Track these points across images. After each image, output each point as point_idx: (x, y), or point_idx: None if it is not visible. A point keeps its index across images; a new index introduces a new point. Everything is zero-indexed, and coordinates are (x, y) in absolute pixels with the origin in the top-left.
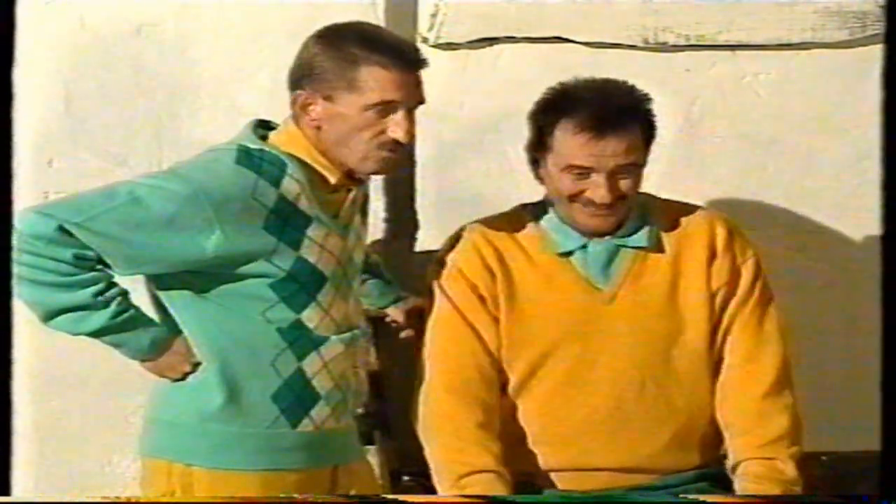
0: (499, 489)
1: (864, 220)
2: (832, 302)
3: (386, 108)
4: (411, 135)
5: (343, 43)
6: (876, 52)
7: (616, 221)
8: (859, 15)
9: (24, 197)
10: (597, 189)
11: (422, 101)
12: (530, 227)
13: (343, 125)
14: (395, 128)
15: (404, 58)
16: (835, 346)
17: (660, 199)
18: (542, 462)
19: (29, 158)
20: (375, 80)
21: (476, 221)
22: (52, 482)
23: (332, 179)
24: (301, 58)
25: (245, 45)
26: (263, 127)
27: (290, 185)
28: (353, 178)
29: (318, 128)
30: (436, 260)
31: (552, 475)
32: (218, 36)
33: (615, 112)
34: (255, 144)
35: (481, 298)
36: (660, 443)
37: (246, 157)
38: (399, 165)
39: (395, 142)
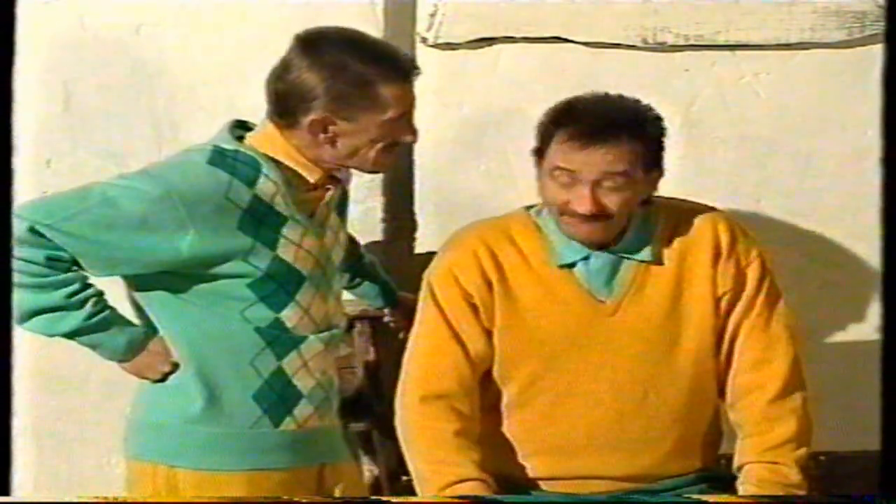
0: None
1: (864, 220)
2: (832, 302)
3: (400, 118)
4: (417, 134)
5: (351, 62)
6: (875, 51)
7: (608, 234)
8: (858, 15)
9: (22, 197)
10: (580, 199)
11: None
12: (533, 234)
13: (361, 138)
14: (407, 134)
15: (409, 70)
16: (835, 346)
17: (662, 200)
18: (543, 473)
19: (28, 158)
20: (394, 97)
21: (477, 223)
22: (50, 482)
23: (312, 179)
24: (301, 80)
25: (244, 45)
26: (241, 127)
27: (266, 185)
28: (333, 178)
29: (332, 144)
30: (433, 262)
31: (552, 484)
32: (217, 36)
33: (605, 123)
34: (229, 145)
35: (474, 307)
36: (661, 452)
37: (220, 157)
38: None
39: (402, 145)
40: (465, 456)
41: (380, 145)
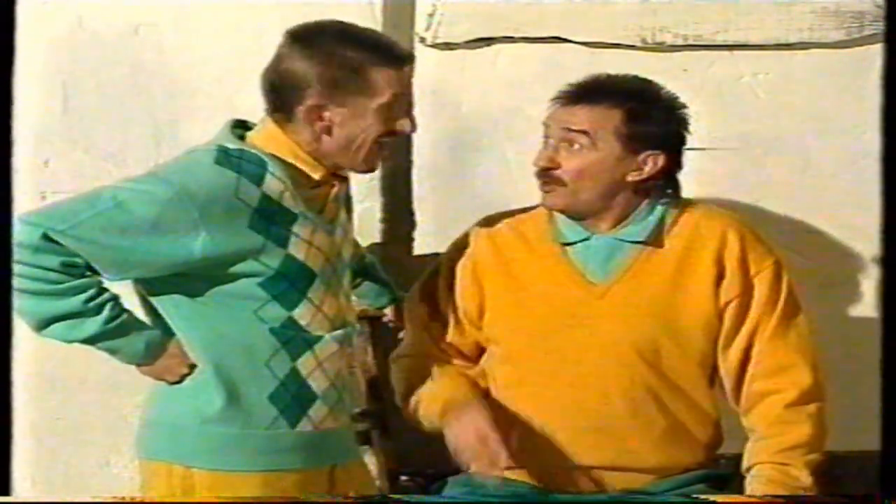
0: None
1: (864, 220)
2: (832, 302)
3: (394, 104)
4: (416, 125)
5: (340, 48)
6: (874, 51)
7: (566, 203)
8: (857, 15)
9: (21, 197)
10: (538, 152)
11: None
12: (542, 217)
13: (356, 126)
14: (404, 122)
15: (401, 56)
16: (835, 346)
17: (680, 199)
18: (531, 457)
19: (26, 158)
20: (386, 81)
21: (494, 215)
22: (50, 482)
23: (316, 176)
24: (292, 69)
25: (243, 45)
26: (241, 127)
27: (273, 183)
28: (336, 175)
29: (328, 132)
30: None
31: (541, 472)
32: (216, 36)
33: (589, 86)
34: (233, 144)
35: (453, 299)
36: (648, 441)
37: (225, 156)
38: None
39: (388, 138)
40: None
41: (374, 136)
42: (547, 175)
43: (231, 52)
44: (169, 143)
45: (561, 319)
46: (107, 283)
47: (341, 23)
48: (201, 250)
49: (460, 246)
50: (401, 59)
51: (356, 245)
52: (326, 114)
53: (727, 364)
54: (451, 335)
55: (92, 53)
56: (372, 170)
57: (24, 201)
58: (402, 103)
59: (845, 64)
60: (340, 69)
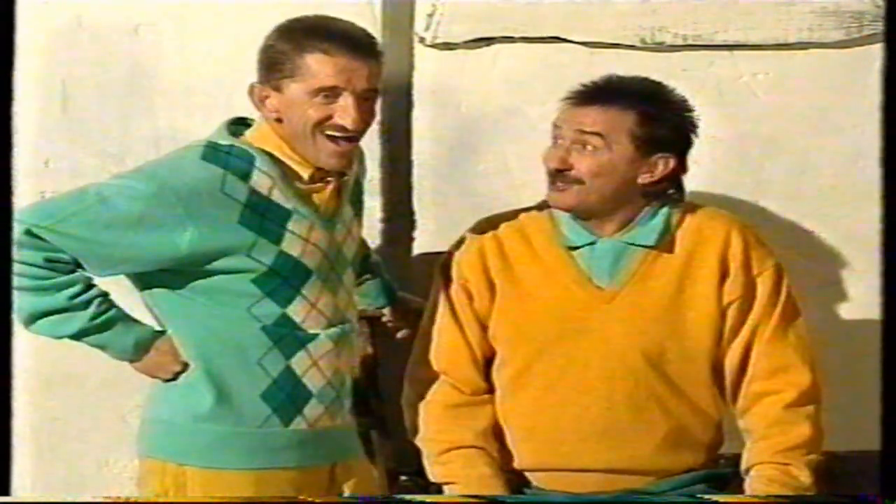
0: (481, 465)
1: (864, 220)
2: (832, 302)
3: (331, 94)
4: (359, 122)
5: (293, 33)
6: (873, 51)
7: (579, 203)
8: (856, 15)
9: (21, 197)
10: (549, 153)
11: (374, 90)
12: (543, 220)
13: (294, 115)
14: (341, 113)
15: (349, 44)
16: (835, 346)
17: (681, 201)
18: (533, 461)
19: (26, 158)
20: (318, 66)
21: (494, 216)
22: (49, 482)
23: (304, 175)
24: (259, 51)
25: (242, 44)
26: (241, 124)
27: (260, 178)
28: (329, 171)
29: (279, 120)
30: (444, 257)
31: (543, 474)
32: (215, 36)
33: (601, 87)
34: (224, 140)
35: (469, 295)
36: (651, 444)
37: (213, 152)
38: (352, 159)
39: (345, 131)
40: (462, 424)
41: (312, 123)
42: (561, 175)
43: (230, 52)
44: (168, 142)
45: (568, 324)
46: (104, 281)
47: (323, 16)
48: (188, 245)
49: (468, 249)
50: (346, 49)
51: (362, 243)
52: (270, 101)
53: (728, 364)
54: (476, 342)
55: (91, 53)
56: (338, 166)
57: (24, 201)
58: (339, 94)
59: (845, 64)
60: (278, 52)
